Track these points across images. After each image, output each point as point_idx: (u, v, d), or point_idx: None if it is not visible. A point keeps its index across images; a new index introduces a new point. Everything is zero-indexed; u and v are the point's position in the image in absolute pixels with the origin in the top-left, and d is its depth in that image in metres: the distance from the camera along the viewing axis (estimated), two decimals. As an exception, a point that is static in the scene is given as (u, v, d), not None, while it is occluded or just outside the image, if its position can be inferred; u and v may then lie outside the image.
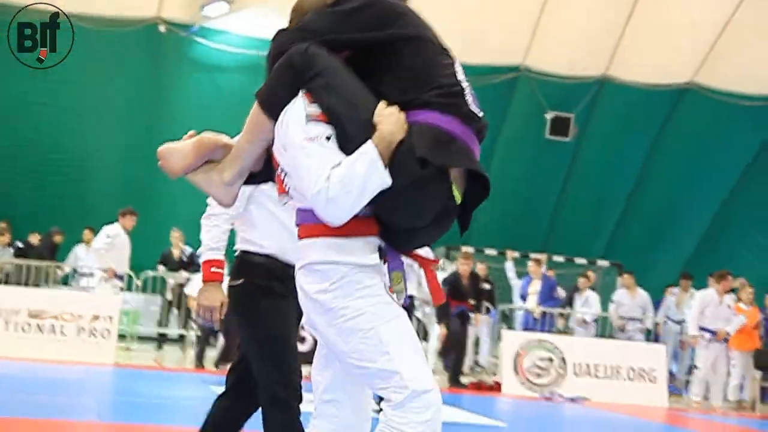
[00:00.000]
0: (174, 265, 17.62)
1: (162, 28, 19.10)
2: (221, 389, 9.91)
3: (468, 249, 21.06)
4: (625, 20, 19.78)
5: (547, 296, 18.12)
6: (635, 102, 20.80)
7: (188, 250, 18.08)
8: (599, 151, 21.46)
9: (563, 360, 14.88)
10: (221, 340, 14.06)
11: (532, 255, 20.39)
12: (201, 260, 4.67)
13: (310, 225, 3.20)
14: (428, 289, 3.39)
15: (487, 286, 18.60)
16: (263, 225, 4.58)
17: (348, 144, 3.04)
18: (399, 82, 3.17)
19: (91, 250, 16.03)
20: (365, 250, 3.16)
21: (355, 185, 2.96)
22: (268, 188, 4.20)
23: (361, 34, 3.21)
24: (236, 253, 4.68)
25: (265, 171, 3.44)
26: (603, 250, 22.65)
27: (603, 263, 21.77)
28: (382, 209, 3.10)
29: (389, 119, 3.04)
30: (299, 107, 3.13)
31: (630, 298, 18.14)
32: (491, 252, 21.18)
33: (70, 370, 12.39)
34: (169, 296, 17.55)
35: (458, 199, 3.16)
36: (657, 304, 19.33)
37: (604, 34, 20.07)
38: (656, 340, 18.40)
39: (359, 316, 3.11)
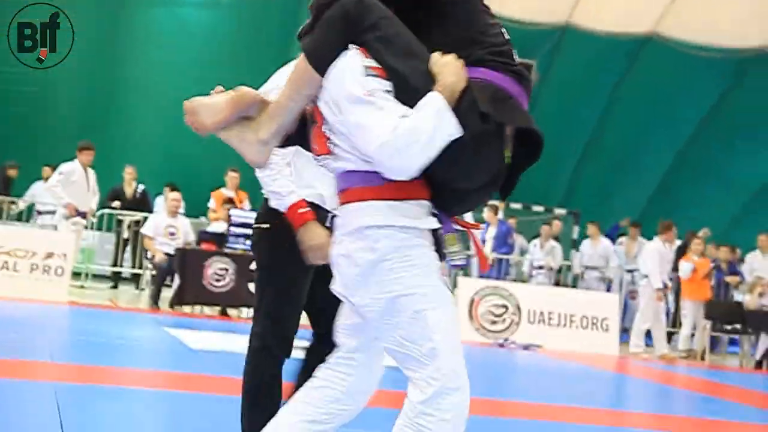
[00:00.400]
0: (126, 203, 17.49)
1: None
2: (175, 330, 9.85)
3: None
4: (589, -33, 19.76)
5: (501, 242, 18.22)
6: (597, 50, 20.80)
7: (141, 187, 17.98)
8: (559, 98, 21.45)
9: (518, 307, 14.97)
10: (177, 280, 14.00)
11: (490, 201, 20.42)
12: (284, 209, 4.31)
13: (360, 188, 3.05)
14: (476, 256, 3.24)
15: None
16: (308, 172, 4.34)
17: (410, 96, 2.92)
18: (450, 40, 3.05)
19: (45, 189, 15.81)
20: (422, 212, 3.05)
21: (425, 135, 2.84)
22: None
23: None
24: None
25: (295, 136, 3.27)
26: (561, 198, 22.77)
27: (560, 211, 21.88)
28: (440, 166, 2.95)
29: (450, 69, 2.94)
30: (355, 60, 2.98)
31: (592, 248, 18.37)
32: (449, 197, 21.19)
33: (22, 307, 12.30)
34: (125, 234, 17.41)
35: (508, 160, 3.06)
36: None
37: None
38: (608, 289, 18.63)
39: (411, 296, 3.00)
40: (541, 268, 18.63)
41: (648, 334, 15.98)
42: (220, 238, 14.16)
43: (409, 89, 2.93)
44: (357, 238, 3.05)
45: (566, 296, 15.97)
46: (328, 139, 3.11)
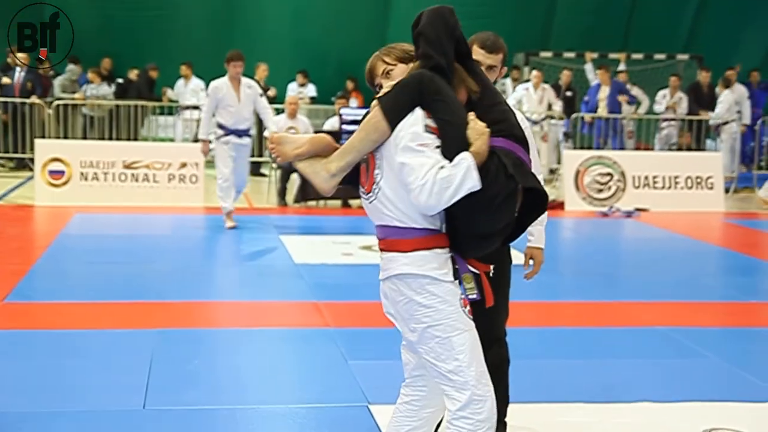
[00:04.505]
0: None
1: None
2: (288, 239, 10.70)
3: (546, 54, 21.46)
4: None
5: (614, 100, 18.62)
6: None
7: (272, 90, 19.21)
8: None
9: (622, 174, 15.57)
10: (298, 179, 15.19)
11: (611, 55, 20.67)
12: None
13: (396, 240, 3.92)
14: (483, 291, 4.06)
15: (569, 93, 19.20)
16: None
17: (452, 151, 3.81)
18: (487, 119, 3.92)
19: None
20: (443, 260, 3.92)
21: (455, 183, 3.72)
22: None
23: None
24: None
25: (349, 176, 4.09)
26: (684, 43, 22.57)
27: (683, 57, 21.82)
28: (472, 209, 3.83)
29: (482, 138, 3.82)
30: (419, 118, 3.86)
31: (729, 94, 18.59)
32: (569, 55, 21.42)
33: (160, 219, 13.86)
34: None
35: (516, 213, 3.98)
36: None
37: None
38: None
39: (438, 325, 3.90)
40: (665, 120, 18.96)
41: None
42: (334, 136, 15.14)
43: (453, 146, 3.82)
44: (392, 282, 3.97)
45: (669, 158, 16.44)
46: (376, 183, 3.98)
